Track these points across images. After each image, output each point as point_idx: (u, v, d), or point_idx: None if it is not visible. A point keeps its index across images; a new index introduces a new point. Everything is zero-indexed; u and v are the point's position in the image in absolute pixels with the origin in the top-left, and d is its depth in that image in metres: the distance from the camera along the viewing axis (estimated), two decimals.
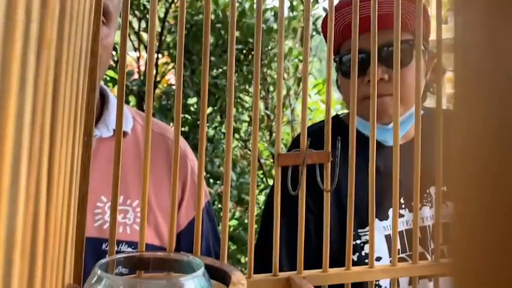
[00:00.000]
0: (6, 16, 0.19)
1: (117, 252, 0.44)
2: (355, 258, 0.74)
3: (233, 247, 1.77)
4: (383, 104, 0.74)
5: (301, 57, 1.84)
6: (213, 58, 1.55)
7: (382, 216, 0.76)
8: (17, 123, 0.21)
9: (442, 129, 0.49)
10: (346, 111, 1.01)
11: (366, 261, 0.76)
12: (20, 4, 0.20)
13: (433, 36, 0.78)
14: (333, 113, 0.86)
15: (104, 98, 0.83)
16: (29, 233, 0.22)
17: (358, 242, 0.75)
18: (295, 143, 0.80)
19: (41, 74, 0.24)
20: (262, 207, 1.84)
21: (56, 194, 0.28)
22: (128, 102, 1.63)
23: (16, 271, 0.19)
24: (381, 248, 0.74)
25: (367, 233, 0.74)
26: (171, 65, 1.75)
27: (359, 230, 0.75)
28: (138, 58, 1.75)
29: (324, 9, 1.81)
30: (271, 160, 1.96)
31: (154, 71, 1.71)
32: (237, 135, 1.85)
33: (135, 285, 0.34)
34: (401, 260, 0.49)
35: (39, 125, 0.24)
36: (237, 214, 1.93)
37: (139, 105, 1.61)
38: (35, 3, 0.22)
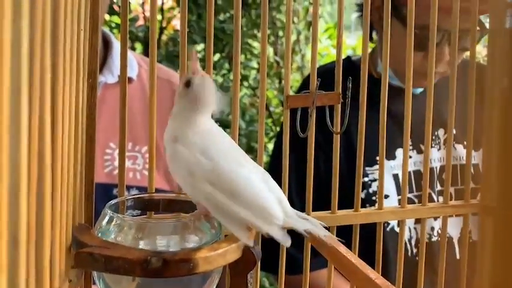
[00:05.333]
0: None
1: None
2: (362, 195, 0.76)
3: None
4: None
5: None
6: (219, 1, 1.50)
7: (389, 156, 0.78)
8: (14, 53, 0.20)
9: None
10: (359, 55, 0.98)
11: (373, 198, 0.79)
12: None
13: None
14: (343, 57, 0.84)
15: (107, 43, 0.81)
16: (34, 169, 0.22)
17: (366, 179, 0.77)
18: (305, 84, 0.79)
19: (38, 5, 0.23)
20: None
21: (61, 133, 0.28)
22: (133, 49, 1.60)
23: (23, 202, 0.19)
24: (388, 186, 0.77)
25: (375, 171, 0.76)
26: (177, 10, 1.70)
27: (367, 168, 0.77)
28: (143, 3, 1.70)
29: None
30: (281, 108, 1.94)
31: (160, 17, 1.67)
32: (245, 83, 1.82)
33: (145, 225, 0.35)
34: (408, 200, 0.49)
35: (39, 61, 0.24)
36: None
37: (146, 52, 1.58)
38: None
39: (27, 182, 0.20)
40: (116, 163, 0.76)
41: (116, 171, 0.77)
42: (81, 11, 0.35)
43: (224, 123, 1.92)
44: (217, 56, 1.68)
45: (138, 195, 0.40)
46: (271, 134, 1.94)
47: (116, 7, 1.53)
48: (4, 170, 0.18)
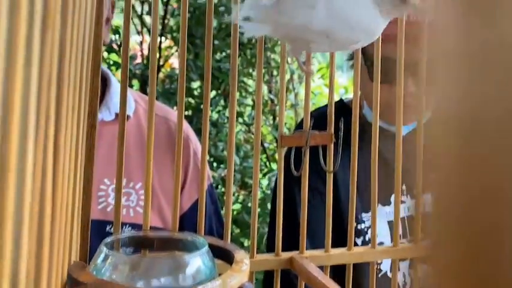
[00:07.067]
0: None
1: None
2: (359, 242, 0.75)
3: (236, 231, 1.78)
4: (407, 108, 0.71)
5: None
6: (216, 42, 1.54)
7: (384, 201, 0.76)
8: (23, 103, 0.21)
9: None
10: (351, 96, 1.00)
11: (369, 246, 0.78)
12: None
13: None
14: (336, 98, 0.86)
15: (105, 81, 0.83)
16: (36, 211, 0.22)
17: (362, 226, 0.75)
18: (299, 127, 0.80)
19: (46, 53, 0.24)
20: (265, 191, 1.85)
21: (61, 174, 0.29)
22: (131, 86, 1.63)
23: (24, 246, 0.20)
24: (383, 233, 0.75)
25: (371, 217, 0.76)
26: (175, 48, 1.74)
27: (363, 214, 0.75)
28: (141, 42, 1.74)
29: None
30: (275, 144, 1.96)
31: (158, 55, 1.71)
32: (240, 119, 1.84)
33: (140, 263, 0.35)
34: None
35: (45, 105, 0.25)
36: (241, 198, 1.94)
37: (143, 89, 1.61)
38: None
39: (29, 221, 0.21)
40: (110, 199, 0.76)
41: (110, 208, 0.77)
42: (84, 55, 0.36)
43: (219, 159, 1.92)
44: (213, 93, 1.71)
45: (133, 234, 0.40)
46: (265, 170, 1.95)
47: (114, 45, 1.56)
48: (9, 211, 0.19)
